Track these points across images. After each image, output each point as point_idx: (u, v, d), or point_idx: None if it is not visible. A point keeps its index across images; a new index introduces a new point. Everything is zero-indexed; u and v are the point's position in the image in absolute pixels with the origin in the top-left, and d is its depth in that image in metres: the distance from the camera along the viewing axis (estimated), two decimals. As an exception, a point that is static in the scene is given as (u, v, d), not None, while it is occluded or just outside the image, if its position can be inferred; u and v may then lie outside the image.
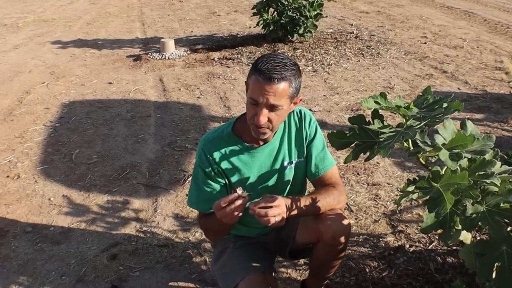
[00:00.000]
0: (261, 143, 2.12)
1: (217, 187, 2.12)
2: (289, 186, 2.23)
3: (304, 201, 2.01)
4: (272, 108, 1.89)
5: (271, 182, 2.19)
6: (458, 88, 5.74)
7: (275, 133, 2.13)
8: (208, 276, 2.82)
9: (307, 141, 2.19)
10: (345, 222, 2.12)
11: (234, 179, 2.13)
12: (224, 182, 2.13)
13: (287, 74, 1.87)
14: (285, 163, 2.18)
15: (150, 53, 7.50)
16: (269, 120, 1.92)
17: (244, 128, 2.09)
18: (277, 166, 2.17)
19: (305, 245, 2.30)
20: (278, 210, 1.83)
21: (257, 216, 1.81)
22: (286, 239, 2.33)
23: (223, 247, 2.33)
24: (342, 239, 2.11)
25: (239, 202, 1.80)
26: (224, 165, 2.10)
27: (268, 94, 1.85)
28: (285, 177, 2.20)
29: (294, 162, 2.19)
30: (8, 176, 4.02)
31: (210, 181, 2.11)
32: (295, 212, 1.97)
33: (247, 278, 2.05)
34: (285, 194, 2.22)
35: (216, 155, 2.09)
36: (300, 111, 2.20)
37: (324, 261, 2.28)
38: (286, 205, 1.90)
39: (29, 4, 12.40)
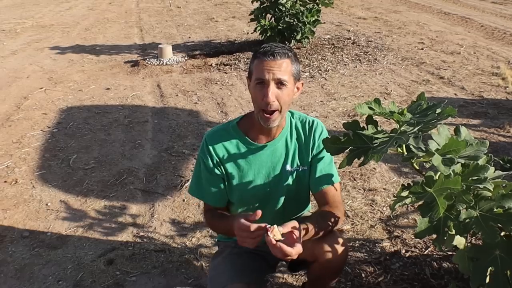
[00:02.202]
0: (265, 140, 2.14)
1: (214, 180, 2.14)
2: (291, 193, 2.22)
3: (313, 228, 1.95)
4: (279, 84, 1.97)
5: (271, 183, 2.18)
6: (455, 94, 5.76)
7: (279, 133, 2.15)
8: (205, 281, 2.82)
9: (315, 151, 2.19)
10: (342, 245, 2.09)
11: (233, 173, 2.14)
12: (222, 176, 2.15)
13: (288, 52, 1.99)
14: (287, 167, 2.17)
15: (147, 59, 7.52)
16: (278, 99, 1.98)
17: (249, 124, 2.14)
18: (279, 168, 2.17)
19: (304, 258, 2.29)
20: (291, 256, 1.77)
21: (271, 246, 1.75)
22: None
23: (222, 249, 2.36)
24: (338, 263, 2.10)
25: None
26: (225, 157, 2.12)
27: (273, 69, 1.95)
28: (286, 181, 2.19)
29: (296, 168, 2.18)
30: (5, 181, 4.02)
31: (208, 173, 2.13)
32: (304, 238, 1.93)
33: (229, 287, 2.04)
34: (282, 200, 2.21)
35: (218, 147, 2.12)
36: (312, 121, 2.22)
37: (320, 279, 2.26)
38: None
39: (28, 10, 12.44)
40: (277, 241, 1.72)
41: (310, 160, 2.19)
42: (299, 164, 2.19)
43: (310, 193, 2.32)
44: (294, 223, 1.82)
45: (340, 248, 2.08)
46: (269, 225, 1.75)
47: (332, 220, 2.06)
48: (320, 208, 2.15)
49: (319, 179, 2.17)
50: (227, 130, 2.16)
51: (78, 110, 5.57)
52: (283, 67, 1.96)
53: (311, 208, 2.47)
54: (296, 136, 2.19)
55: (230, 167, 2.14)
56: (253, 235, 1.78)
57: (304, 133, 2.20)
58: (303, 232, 1.86)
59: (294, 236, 1.78)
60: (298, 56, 6.31)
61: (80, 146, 4.65)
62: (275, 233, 1.74)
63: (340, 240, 2.10)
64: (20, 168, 4.25)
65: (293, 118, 2.21)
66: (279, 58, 1.95)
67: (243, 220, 1.80)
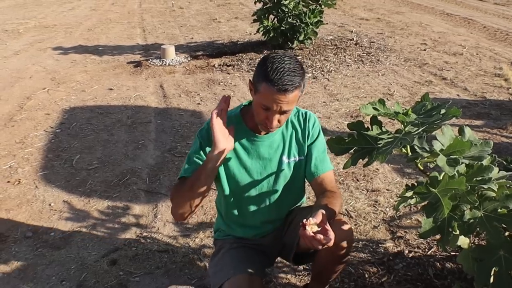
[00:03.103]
0: (263, 132, 2.17)
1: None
2: (287, 184, 2.25)
3: (327, 213, 1.93)
4: (283, 112, 1.97)
5: (269, 175, 2.21)
6: (458, 95, 5.76)
7: None
8: (208, 282, 2.82)
9: (309, 141, 2.22)
10: (348, 229, 2.13)
11: (231, 161, 2.17)
12: None
13: (298, 81, 1.91)
14: (284, 158, 2.20)
15: (150, 60, 7.53)
16: (279, 121, 2.00)
17: (249, 116, 2.15)
18: (276, 160, 2.20)
19: (309, 250, 2.30)
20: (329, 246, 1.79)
21: (309, 239, 1.75)
22: (289, 245, 2.34)
23: (220, 247, 2.37)
24: (345, 246, 2.11)
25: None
26: None
27: (282, 103, 1.91)
28: (283, 173, 2.22)
29: (293, 159, 2.22)
30: (8, 182, 4.03)
31: (202, 153, 2.12)
32: None
33: (232, 279, 2.05)
34: (279, 190, 2.25)
35: None
36: (306, 113, 2.25)
37: (326, 266, 2.28)
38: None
39: (30, 10, 12.46)
40: (314, 233, 1.74)
41: (305, 149, 2.23)
42: (296, 155, 2.22)
43: (305, 185, 2.36)
44: (323, 211, 1.83)
45: (347, 232, 2.11)
46: (304, 219, 1.76)
47: (336, 207, 2.07)
48: (320, 195, 2.17)
49: (315, 167, 2.21)
50: (229, 118, 2.15)
51: (81, 111, 5.58)
52: (291, 100, 1.92)
53: (305, 200, 2.50)
54: (292, 128, 2.23)
55: (229, 154, 2.14)
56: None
57: (299, 125, 2.23)
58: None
59: (325, 226, 1.79)
60: (301, 57, 6.30)
61: (83, 146, 4.66)
62: (312, 225, 1.75)
63: (346, 225, 2.13)
64: (23, 168, 4.26)
65: None
66: (290, 93, 1.90)
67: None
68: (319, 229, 1.76)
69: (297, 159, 2.22)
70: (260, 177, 2.21)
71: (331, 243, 1.75)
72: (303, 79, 1.96)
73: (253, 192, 2.22)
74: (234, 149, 2.15)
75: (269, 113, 1.96)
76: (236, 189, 2.21)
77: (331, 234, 1.76)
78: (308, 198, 3.36)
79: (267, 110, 1.95)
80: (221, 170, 2.18)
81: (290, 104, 1.93)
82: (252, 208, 2.27)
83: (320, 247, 1.75)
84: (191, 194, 2.02)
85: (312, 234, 1.73)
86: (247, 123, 2.17)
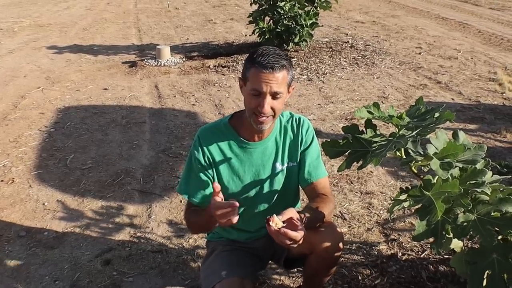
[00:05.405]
0: (256, 139, 2.17)
1: (204, 177, 2.16)
2: (280, 190, 2.25)
3: (308, 217, 1.97)
4: (274, 95, 1.97)
5: (262, 182, 2.21)
6: (452, 99, 5.78)
7: (270, 132, 2.17)
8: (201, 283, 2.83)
9: (302, 147, 2.22)
10: (338, 234, 2.14)
11: (224, 171, 2.17)
12: (211, 174, 2.17)
13: (285, 63, 1.97)
14: (277, 165, 2.21)
15: (145, 60, 7.52)
16: (272, 108, 2.00)
17: (240, 123, 2.16)
18: (269, 166, 2.20)
19: (300, 255, 2.31)
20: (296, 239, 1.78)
21: (275, 235, 1.76)
22: (280, 249, 2.35)
23: (212, 249, 2.37)
24: (335, 252, 2.12)
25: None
26: (217, 155, 2.15)
27: (271, 83, 1.94)
28: (277, 179, 2.23)
29: (286, 165, 2.22)
30: (2, 181, 4.01)
31: (199, 169, 2.15)
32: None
33: (223, 282, 2.06)
34: (272, 197, 2.25)
35: (210, 144, 2.14)
36: (299, 118, 2.25)
37: (317, 271, 2.29)
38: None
39: (25, 9, 12.43)
40: (279, 228, 1.74)
41: (299, 155, 2.23)
42: (289, 161, 2.23)
43: (300, 190, 2.37)
44: (292, 210, 1.84)
45: (336, 238, 2.12)
46: (268, 216, 1.76)
47: (326, 210, 2.08)
48: (312, 201, 2.18)
49: (308, 173, 2.22)
50: (219, 128, 2.18)
51: (75, 110, 5.57)
52: (280, 80, 1.95)
53: (300, 206, 2.50)
54: (286, 134, 2.23)
55: (221, 165, 2.17)
56: (231, 211, 1.80)
57: (293, 131, 2.23)
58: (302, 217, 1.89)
59: (295, 222, 1.80)
60: (296, 59, 6.31)
61: (77, 146, 4.65)
62: (276, 221, 1.76)
63: (336, 230, 2.15)
64: (17, 167, 4.25)
65: (282, 117, 2.25)
66: (277, 71, 1.94)
67: (216, 198, 1.84)
68: (284, 225, 1.77)
69: (290, 165, 2.23)
70: (254, 184, 2.21)
71: (299, 240, 1.76)
72: (290, 65, 2.02)
73: (247, 199, 2.23)
74: (228, 161, 2.16)
75: (260, 98, 1.97)
76: (230, 197, 2.20)
77: (301, 231, 1.77)
78: (302, 200, 3.36)
79: (258, 95, 1.97)
80: (215, 180, 2.18)
81: (280, 85, 1.96)
82: (247, 214, 2.26)
83: (287, 242, 1.74)
84: (204, 231, 2.38)
85: (276, 229, 1.73)
86: (239, 131, 2.17)
